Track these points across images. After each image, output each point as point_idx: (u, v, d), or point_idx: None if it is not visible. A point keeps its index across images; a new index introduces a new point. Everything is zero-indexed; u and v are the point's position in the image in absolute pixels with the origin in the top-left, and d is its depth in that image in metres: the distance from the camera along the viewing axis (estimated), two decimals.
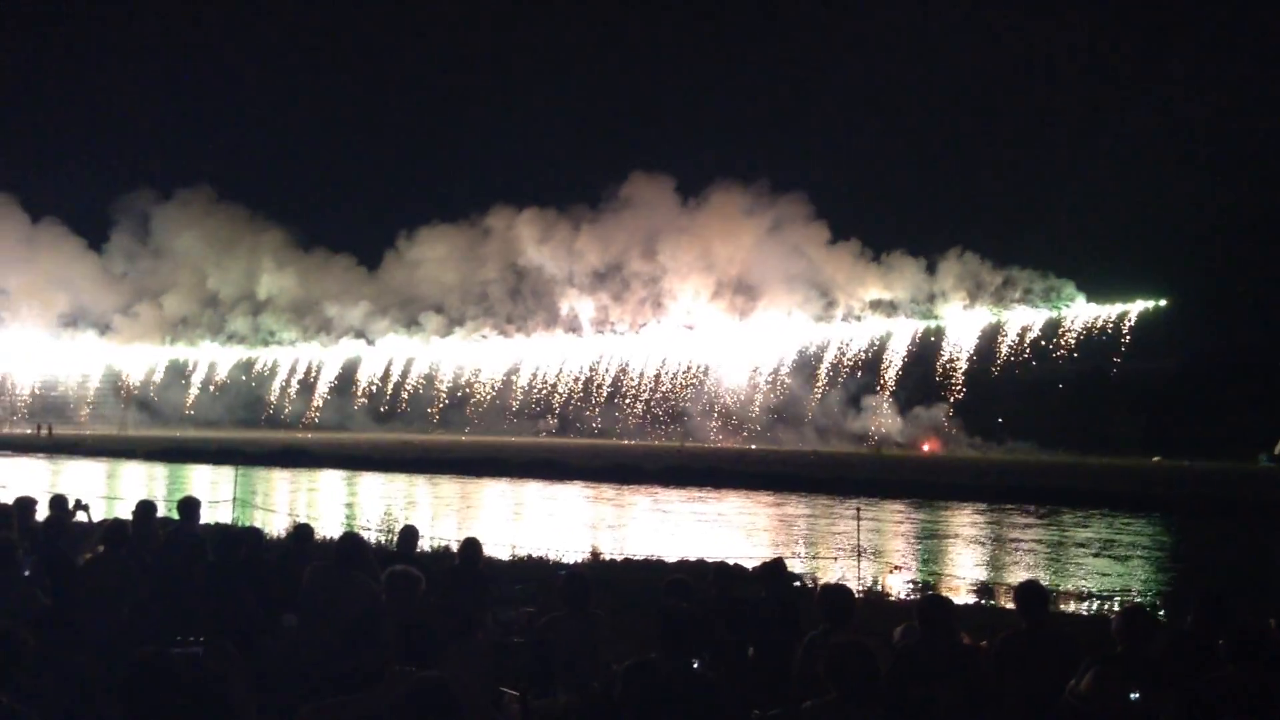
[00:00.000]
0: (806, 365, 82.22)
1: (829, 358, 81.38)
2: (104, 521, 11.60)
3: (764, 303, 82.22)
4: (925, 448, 73.49)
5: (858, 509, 20.79)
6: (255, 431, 79.48)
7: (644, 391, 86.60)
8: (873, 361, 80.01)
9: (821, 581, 14.11)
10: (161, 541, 9.24)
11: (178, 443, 56.31)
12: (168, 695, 3.65)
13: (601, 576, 11.96)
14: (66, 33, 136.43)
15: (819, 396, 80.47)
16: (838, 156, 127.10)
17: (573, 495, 34.13)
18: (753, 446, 75.27)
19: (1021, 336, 76.54)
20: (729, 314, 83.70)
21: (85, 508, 11.29)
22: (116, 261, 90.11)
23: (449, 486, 36.16)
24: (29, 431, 69.01)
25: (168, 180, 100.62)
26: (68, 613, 6.76)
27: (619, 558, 16.59)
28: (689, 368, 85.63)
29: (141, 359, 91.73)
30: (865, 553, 17.34)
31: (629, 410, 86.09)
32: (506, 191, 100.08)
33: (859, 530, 17.77)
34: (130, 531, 9.17)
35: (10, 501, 10.08)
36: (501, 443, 70.15)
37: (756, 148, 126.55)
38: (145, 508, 9.89)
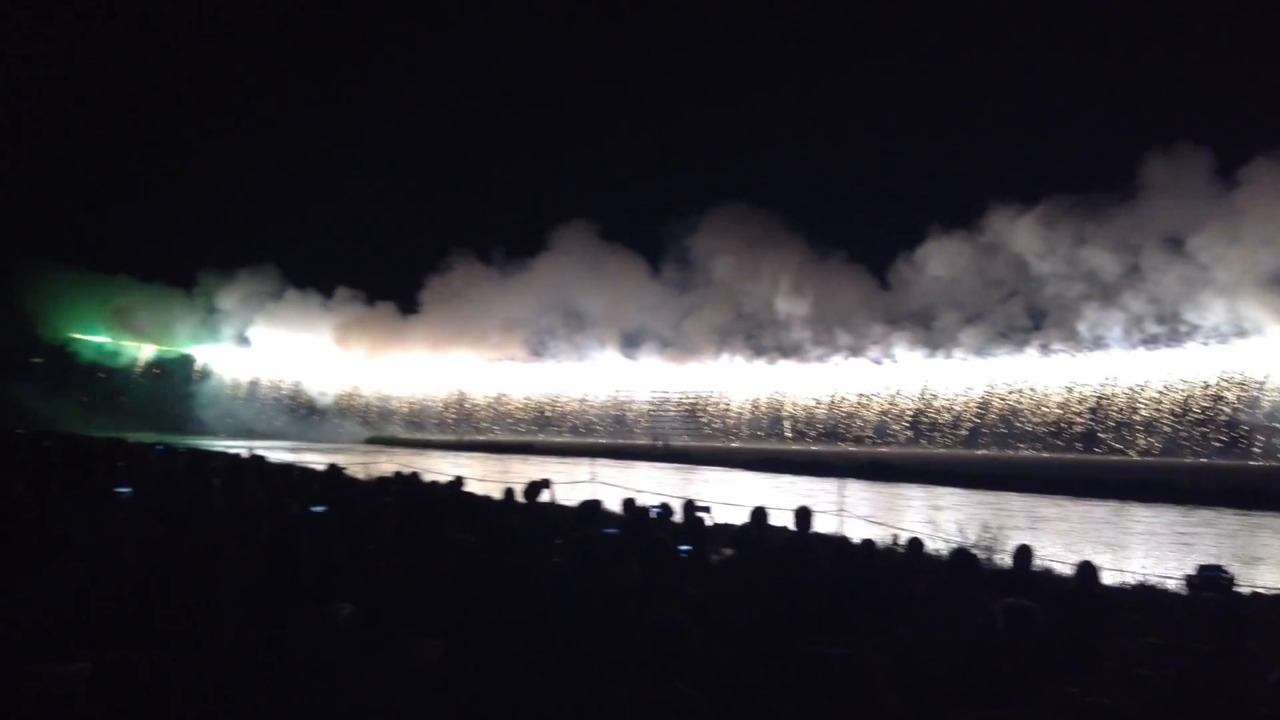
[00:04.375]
0: None
1: None
2: (728, 526, 12.69)
3: None
4: None
5: None
6: (837, 445, 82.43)
7: (1198, 408, 75.12)
8: None
9: None
10: (779, 547, 9.81)
11: (771, 454, 60.39)
12: (825, 693, 3.87)
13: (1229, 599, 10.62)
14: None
15: None
16: None
17: (1189, 520, 31.00)
18: None
19: None
20: None
21: (707, 510, 12.42)
22: (670, 281, 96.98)
23: (1047, 505, 34.68)
24: (647, 443, 78.12)
25: (720, 195, 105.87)
26: (711, 607, 7.44)
27: (1246, 590, 14.63)
28: (1244, 379, 72.72)
29: (696, 376, 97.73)
30: None
31: (1189, 429, 75.10)
32: (1013, 186, 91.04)
33: None
34: (752, 536, 9.91)
35: (657, 505, 11.26)
36: (1098, 461, 65.75)
37: None
38: (759, 513, 10.62)
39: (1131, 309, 77.17)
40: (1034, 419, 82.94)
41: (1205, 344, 74.67)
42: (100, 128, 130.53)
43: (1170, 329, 76.11)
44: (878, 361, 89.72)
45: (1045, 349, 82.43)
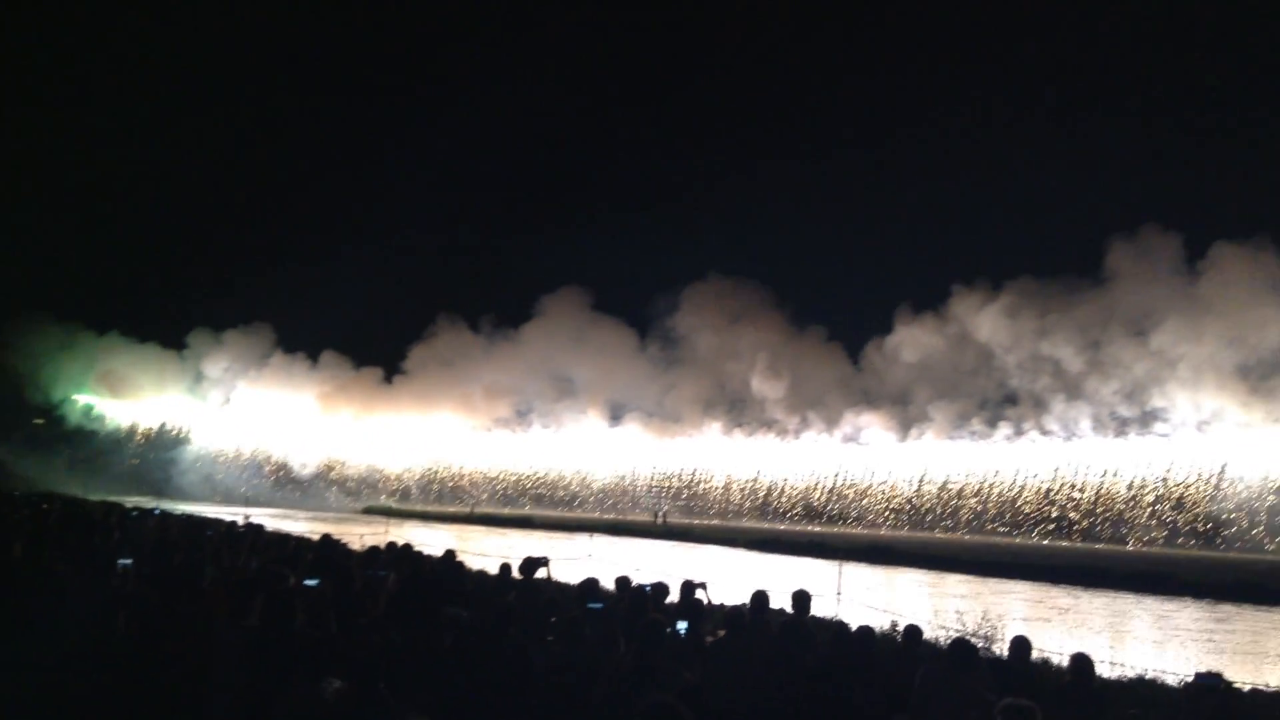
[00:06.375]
0: None
1: None
2: (721, 606, 12.56)
3: None
4: None
5: None
6: (836, 526, 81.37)
7: (1162, 500, 73.32)
8: None
9: None
10: (776, 631, 9.68)
11: (770, 534, 60.06)
12: None
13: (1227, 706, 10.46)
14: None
15: None
16: None
17: (1180, 611, 30.76)
18: None
19: None
20: (1247, 405, 67.84)
21: (703, 586, 12.29)
22: (654, 354, 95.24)
23: (1047, 593, 34.44)
24: (647, 520, 77.50)
25: (706, 267, 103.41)
26: (704, 691, 7.34)
27: (1246, 686, 14.42)
28: (1203, 473, 71.26)
29: (683, 450, 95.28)
30: None
31: (1152, 520, 73.30)
32: (982, 267, 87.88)
33: None
34: (746, 618, 9.80)
35: (649, 583, 11.14)
36: (1098, 551, 65.02)
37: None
38: (760, 597, 10.50)
39: (1102, 397, 75.66)
40: (1025, 507, 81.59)
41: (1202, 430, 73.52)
42: (92, 184, 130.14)
43: (1144, 417, 74.61)
44: (852, 440, 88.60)
45: (1019, 433, 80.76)
